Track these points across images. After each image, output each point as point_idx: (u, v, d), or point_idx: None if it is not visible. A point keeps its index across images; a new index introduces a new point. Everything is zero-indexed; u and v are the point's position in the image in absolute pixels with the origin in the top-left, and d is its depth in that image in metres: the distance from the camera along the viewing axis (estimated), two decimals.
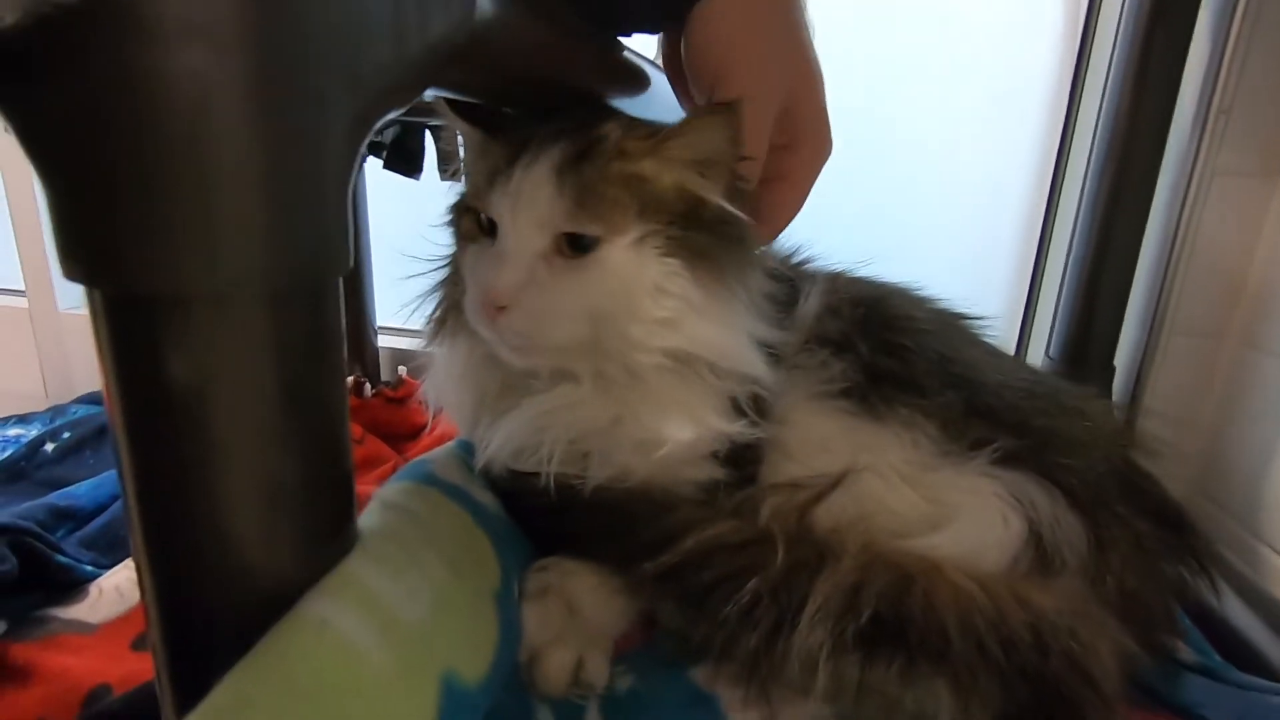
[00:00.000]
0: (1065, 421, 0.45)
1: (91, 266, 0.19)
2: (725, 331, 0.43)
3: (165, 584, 0.22)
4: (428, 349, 0.51)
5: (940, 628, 0.34)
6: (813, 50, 0.44)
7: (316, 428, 0.24)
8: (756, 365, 0.44)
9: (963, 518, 0.40)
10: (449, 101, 0.45)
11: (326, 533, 0.25)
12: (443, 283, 0.50)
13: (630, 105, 0.48)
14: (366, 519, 0.30)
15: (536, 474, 0.43)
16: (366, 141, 0.24)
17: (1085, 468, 0.43)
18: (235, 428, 0.21)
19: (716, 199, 0.41)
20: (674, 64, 0.46)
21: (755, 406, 0.44)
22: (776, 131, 0.43)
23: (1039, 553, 0.39)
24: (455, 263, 0.49)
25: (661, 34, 0.50)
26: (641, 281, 0.41)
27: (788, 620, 0.35)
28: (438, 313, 0.50)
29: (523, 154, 0.41)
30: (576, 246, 0.40)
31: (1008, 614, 0.35)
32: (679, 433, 0.42)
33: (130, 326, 0.20)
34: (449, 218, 0.49)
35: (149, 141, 0.18)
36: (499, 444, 0.44)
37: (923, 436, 0.43)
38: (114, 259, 0.19)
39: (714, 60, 0.41)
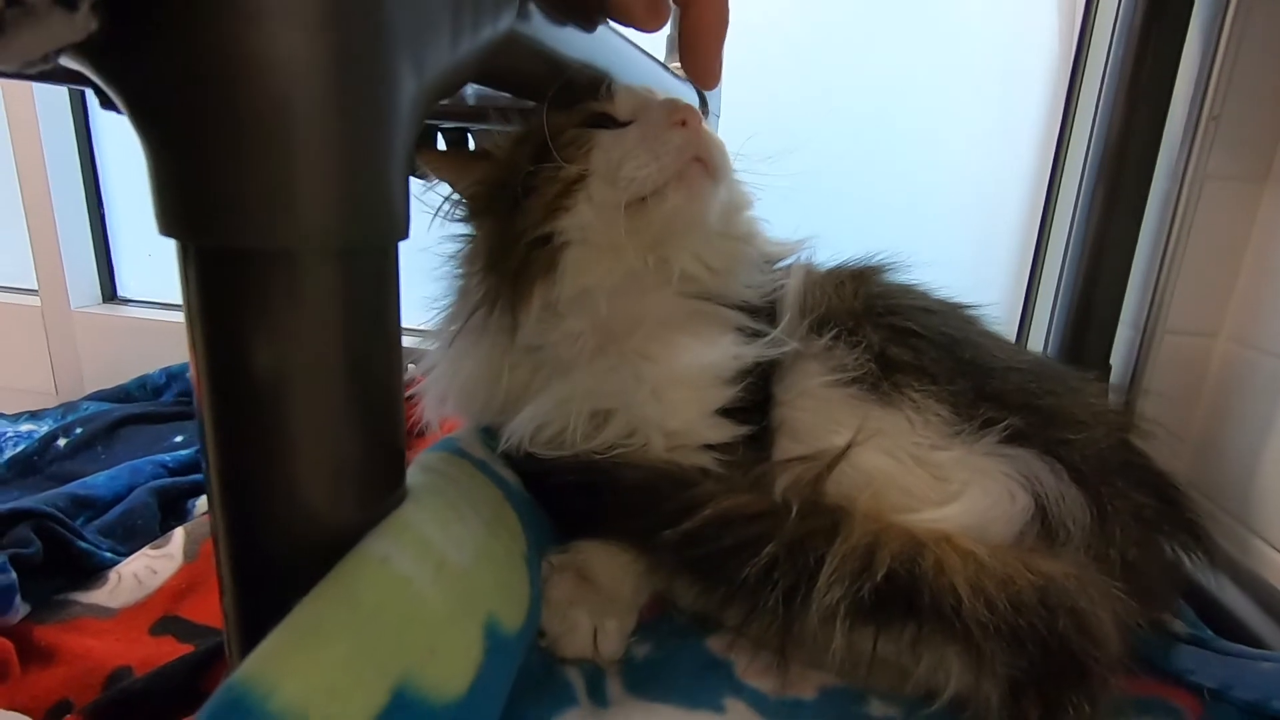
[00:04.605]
0: (1069, 400, 0.46)
1: (188, 223, 0.21)
2: None
3: (238, 526, 0.24)
4: (445, 351, 0.51)
5: (952, 587, 0.35)
6: None
7: (375, 383, 0.25)
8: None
9: (971, 493, 0.41)
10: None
11: (382, 484, 0.27)
12: (467, 284, 0.51)
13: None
14: (410, 479, 0.32)
15: (561, 454, 0.45)
16: (424, 119, 0.26)
17: (1087, 442, 0.43)
18: (306, 378, 0.23)
19: None
20: None
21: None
22: None
23: (1044, 527, 0.41)
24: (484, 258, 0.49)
25: None
26: None
27: (805, 580, 0.36)
28: (461, 315, 0.50)
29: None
30: None
31: (1015, 576, 0.36)
32: (700, 358, 0.45)
33: (218, 282, 0.22)
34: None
35: (243, 110, 0.20)
36: (523, 424, 0.45)
37: (934, 417, 0.44)
38: (208, 216, 0.21)
39: None
